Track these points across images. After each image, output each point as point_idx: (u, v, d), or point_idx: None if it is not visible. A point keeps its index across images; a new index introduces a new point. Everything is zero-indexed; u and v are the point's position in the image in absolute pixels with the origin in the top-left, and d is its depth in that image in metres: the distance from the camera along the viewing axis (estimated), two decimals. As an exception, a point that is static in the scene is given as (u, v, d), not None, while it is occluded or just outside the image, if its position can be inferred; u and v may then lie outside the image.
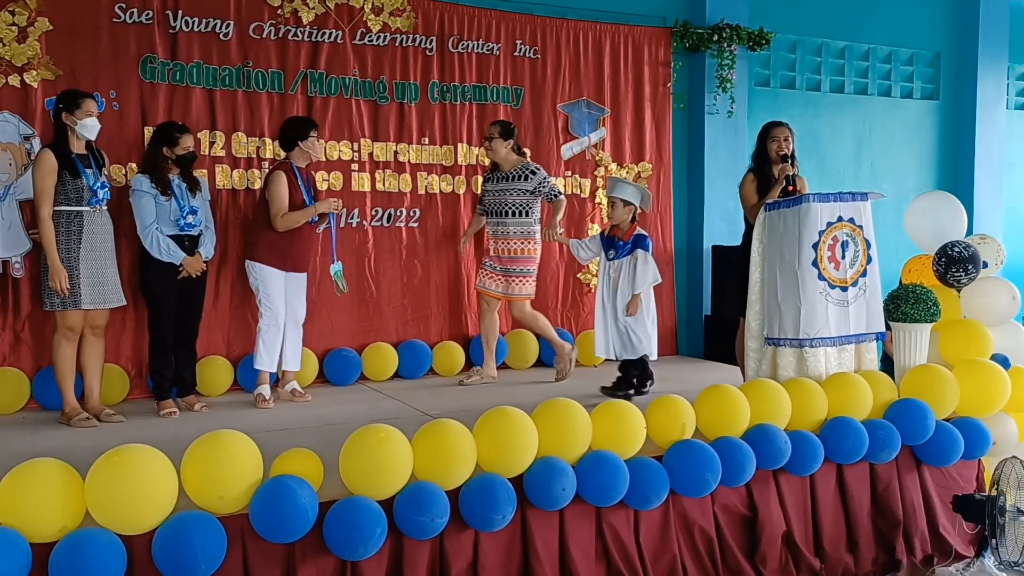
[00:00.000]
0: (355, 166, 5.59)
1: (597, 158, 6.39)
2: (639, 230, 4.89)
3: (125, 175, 4.91)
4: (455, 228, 5.87)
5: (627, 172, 6.48)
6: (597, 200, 6.38)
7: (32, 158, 4.61)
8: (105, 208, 4.37)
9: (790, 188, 4.55)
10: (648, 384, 4.96)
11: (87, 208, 4.27)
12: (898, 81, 7.96)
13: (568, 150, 6.30)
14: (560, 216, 5.33)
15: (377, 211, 5.64)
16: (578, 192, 6.34)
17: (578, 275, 6.35)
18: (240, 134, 5.27)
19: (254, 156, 5.32)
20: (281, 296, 4.80)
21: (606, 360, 5.20)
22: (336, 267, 5.02)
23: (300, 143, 4.79)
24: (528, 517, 3.25)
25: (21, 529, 2.54)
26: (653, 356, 4.91)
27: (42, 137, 4.71)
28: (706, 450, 3.46)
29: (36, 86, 4.74)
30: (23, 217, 4.70)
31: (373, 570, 2.99)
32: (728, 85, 6.65)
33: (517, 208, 5.27)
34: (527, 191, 5.27)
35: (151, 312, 4.64)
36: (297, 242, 4.84)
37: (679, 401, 3.57)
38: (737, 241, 5.11)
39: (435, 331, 5.84)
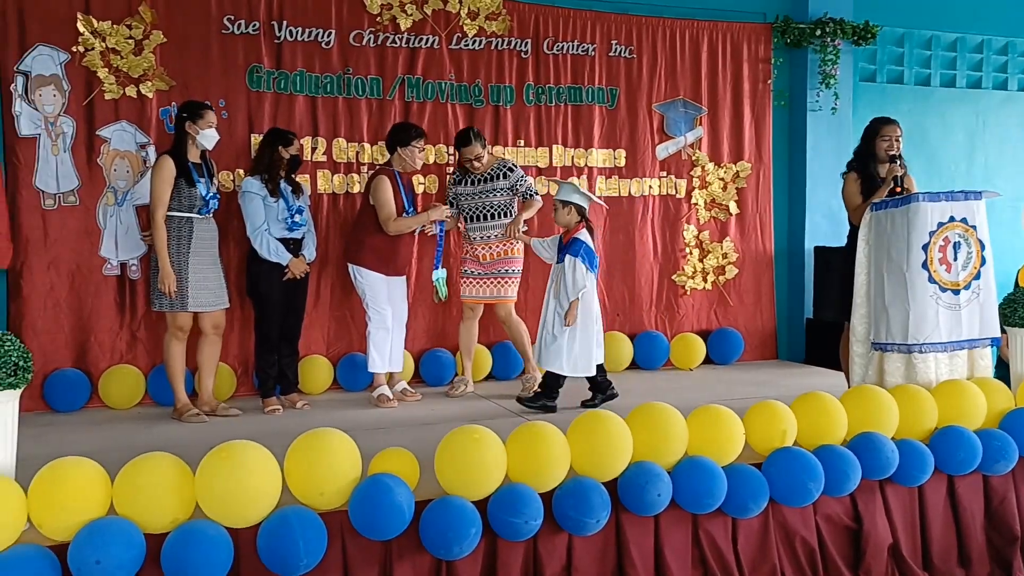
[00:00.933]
0: (450, 169, 5.66)
1: (694, 158, 6.30)
2: (579, 234, 4.60)
3: (233, 180, 5.10)
4: (548, 230, 5.85)
5: (725, 171, 6.36)
6: (693, 200, 6.29)
7: (147, 165, 4.84)
8: (212, 215, 4.56)
9: (897, 190, 4.38)
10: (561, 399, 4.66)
11: (197, 216, 4.45)
12: (1015, 73, 7.56)
13: (663, 150, 6.22)
14: (529, 214, 5.09)
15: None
16: (673, 193, 6.25)
17: (672, 277, 6.27)
18: (340, 140, 5.40)
19: (354, 161, 5.45)
20: (387, 299, 4.89)
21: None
22: (440, 273, 5.07)
23: (399, 148, 4.88)
24: (623, 522, 3.23)
25: (136, 520, 2.67)
26: (575, 374, 4.60)
27: (156, 145, 4.94)
28: (808, 458, 3.36)
29: (151, 96, 4.98)
30: (139, 221, 4.95)
31: (468, 570, 3.02)
32: (832, 81, 6.45)
33: (500, 209, 5.09)
34: (506, 189, 5.09)
35: (257, 311, 4.81)
36: (401, 247, 4.95)
37: (779, 407, 3.49)
38: (841, 242, 4.95)
39: (528, 333, 5.84)
